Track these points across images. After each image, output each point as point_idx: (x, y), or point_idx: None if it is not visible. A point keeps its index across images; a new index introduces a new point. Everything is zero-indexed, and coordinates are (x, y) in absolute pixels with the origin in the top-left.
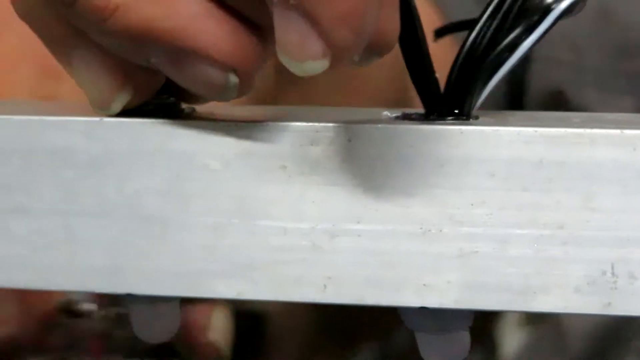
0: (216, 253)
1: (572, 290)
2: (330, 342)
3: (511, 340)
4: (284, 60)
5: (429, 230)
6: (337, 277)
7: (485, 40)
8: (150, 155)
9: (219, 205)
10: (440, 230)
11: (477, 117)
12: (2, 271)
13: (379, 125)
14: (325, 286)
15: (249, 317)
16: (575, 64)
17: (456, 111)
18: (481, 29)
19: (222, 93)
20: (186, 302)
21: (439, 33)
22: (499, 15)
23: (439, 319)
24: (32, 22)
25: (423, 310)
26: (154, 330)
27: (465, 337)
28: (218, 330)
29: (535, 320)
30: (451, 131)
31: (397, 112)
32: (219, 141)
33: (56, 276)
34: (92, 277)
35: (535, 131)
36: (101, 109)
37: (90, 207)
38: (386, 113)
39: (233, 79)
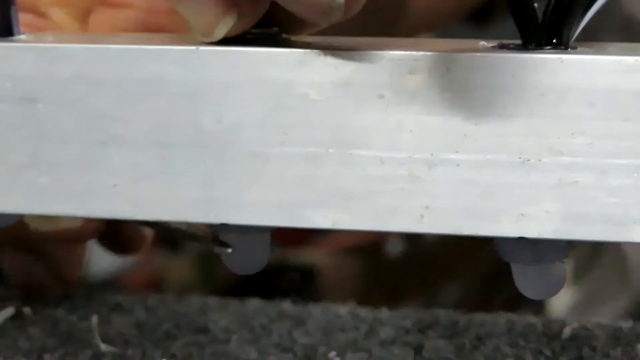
0: (313, 183)
1: None
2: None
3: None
4: None
5: (528, 160)
6: (435, 207)
7: None
8: (247, 84)
9: (316, 135)
10: (540, 160)
11: (575, 48)
12: (100, 201)
13: (478, 54)
14: (422, 216)
15: (298, 271)
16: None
17: (554, 41)
18: None
19: (328, 13)
20: None
21: None
22: None
23: (536, 250)
24: None
25: (520, 240)
26: (244, 261)
27: (561, 269)
28: None
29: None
30: (551, 60)
31: (493, 42)
32: (318, 70)
33: (152, 206)
34: (188, 207)
35: (636, 60)
36: (204, 35)
37: (187, 138)
38: (483, 43)
39: None
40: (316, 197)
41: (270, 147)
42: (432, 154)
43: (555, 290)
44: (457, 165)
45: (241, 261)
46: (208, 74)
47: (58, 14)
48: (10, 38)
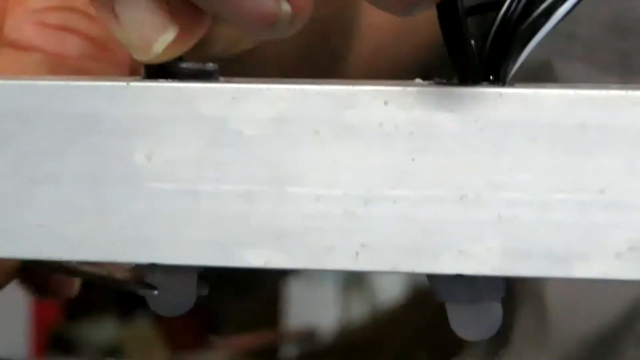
0: (247, 222)
1: (613, 256)
2: None
3: None
4: None
5: (467, 196)
6: (371, 245)
7: (520, 6)
8: (180, 121)
9: (251, 173)
10: (479, 196)
11: (512, 85)
12: (28, 242)
13: (417, 88)
14: (357, 254)
15: None
16: (567, 34)
17: (491, 78)
18: None
19: (273, 26)
20: None
21: (471, 11)
22: None
23: (472, 288)
24: None
25: (456, 279)
26: (170, 303)
27: (497, 309)
28: None
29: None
30: (490, 93)
31: (428, 81)
32: (252, 106)
33: (81, 246)
34: (118, 247)
35: (577, 93)
36: (142, 52)
37: (118, 175)
38: (419, 80)
39: (285, 7)
40: (250, 236)
41: (203, 185)
42: (368, 191)
43: (491, 330)
44: (394, 202)
45: (167, 303)
46: (139, 110)
47: None
48: None
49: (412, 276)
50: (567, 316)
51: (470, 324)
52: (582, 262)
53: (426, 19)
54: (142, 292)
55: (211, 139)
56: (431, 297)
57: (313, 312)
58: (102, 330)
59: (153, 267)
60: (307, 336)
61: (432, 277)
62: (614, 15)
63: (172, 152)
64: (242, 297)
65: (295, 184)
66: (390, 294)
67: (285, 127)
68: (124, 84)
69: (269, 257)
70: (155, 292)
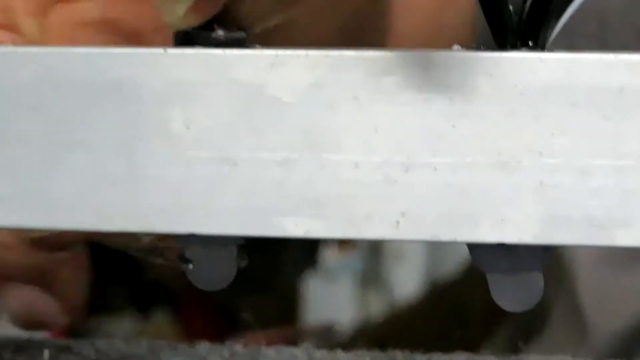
0: (284, 189)
1: None
2: None
3: None
4: None
5: (508, 162)
6: (411, 213)
7: None
8: (217, 87)
9: (288, 139)
10: (520, 162)
11: (551, 50)
12: (63, 211)
13: (456, 53)
14: (398, 222)
15: None
16: (599, 39)
17: (530, 43)
18: None
19: None
20: None
21: None
22: None
23: (513, 258)
24: None
25: (497, 248)
26: (209, 277)
27: (539, 279)
28: None
29: None
30: (529, 58)
31: (467, 47)
32: (289, 72)
33: (118, 216)
34: (155, 216)
35: (616, 57)
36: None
37: (154, 143)
38: (457, 46)
39: None
40: (288, 204)
41: (240, 152)
42: (408, 157)
43: (533, 301)
44: (434, 169)
45: (206, 276)
46: (176, 76)
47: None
48: None
49: (432, 268)
50: (599, 312)
51: (512, 294)
52: (624, 229)
53: None
54: (182, 266)
55: (249, 106)
56: (448, 291)
57: (331, 308)
58: (121, 327)
59: (192, 240)
60: (326, 332)
61: (473, 248)
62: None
63: (210, 119)
64: (261, 293)
65: (333, 150)
66: (407, 289)
67: (323, 93)
68: (161, 50)
69: (308, 226)
70: (190, 267)
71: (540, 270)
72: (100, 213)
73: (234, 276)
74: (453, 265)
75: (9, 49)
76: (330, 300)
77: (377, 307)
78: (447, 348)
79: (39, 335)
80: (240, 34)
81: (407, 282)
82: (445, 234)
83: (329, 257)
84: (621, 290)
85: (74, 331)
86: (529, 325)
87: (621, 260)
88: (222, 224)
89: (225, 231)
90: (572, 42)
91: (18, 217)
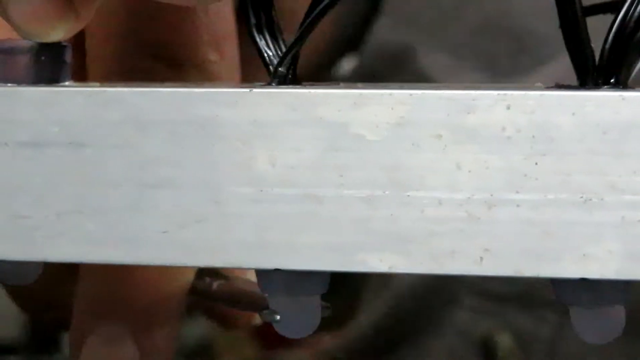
0: (369, 226)
1: None
2: None
3: None
4: None
5: (590, 199)
6: (495, 249)
7: (639, 9)
8: (302, 126)
9: (372, 177)
10: (602, 199)
11: (633, 88)
12: (150, 247)
13: (539, 92)
14: (482, 258)
15: None
16: (440, 25)
17: (612, 81)
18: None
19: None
20: None
21: (589, 11)
22: None
23: (595, 292)
24: None
25: (580, 283)
26: (295, 325)
27: (621, 312)
28: None
29: None
30: (612, 97)
31: (549, 85)
32: (373, 111)
33: (203, 252)
34: (240, 252)
35: None
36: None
37: (239, 181)
38: (539, 84)
39: None
40: (372, 240)
41: (326, 189)
42: (491, 195)
43: (615, 334)
44: (518, 205)
45: (292, 325)
46: (261, 115)
47: None
48: (57, 84)
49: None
50: None
51: (593, 327)
52: None
53: None
54: (267, 317)
55: (333, 144)
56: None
57: None
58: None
59: (277, 287)
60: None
61: (556, 282)
62: (478, 18)
63: (295, 157)
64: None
65: (417, 187)
66: None
67: (407, 132)
68: (247, 90)
69: (392, 262)
70: (278, 318)
71: (622, 303)
72: (188, 249)
73: (318, 324)
74: None
75: (98, 89)
76: None
77: None
78: None
79: None
80: None
81: None
82: (528, 270)
83: None
84: None
85: None
86: None
87: None
88: (306, 260)
89: (310, 267)
90: (396, 28)
91: (107, 254)
